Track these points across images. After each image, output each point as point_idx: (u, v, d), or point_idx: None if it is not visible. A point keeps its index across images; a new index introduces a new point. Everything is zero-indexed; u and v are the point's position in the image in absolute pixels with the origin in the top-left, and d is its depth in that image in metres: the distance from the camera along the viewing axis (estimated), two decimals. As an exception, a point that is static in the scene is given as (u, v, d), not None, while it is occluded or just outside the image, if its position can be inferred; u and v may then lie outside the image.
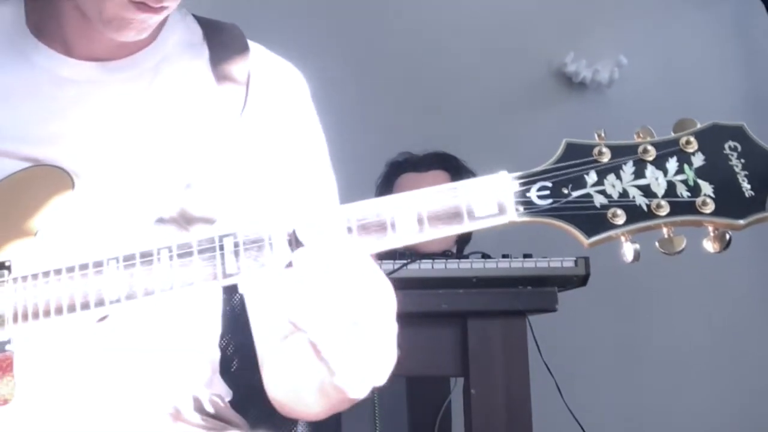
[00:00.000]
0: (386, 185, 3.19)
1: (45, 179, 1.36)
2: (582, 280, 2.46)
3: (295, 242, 1.15)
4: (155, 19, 1.38)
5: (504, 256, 2.45)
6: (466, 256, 2.54)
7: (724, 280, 3.57)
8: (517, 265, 2.44)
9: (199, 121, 1.48)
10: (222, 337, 1.61)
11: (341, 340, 1.17)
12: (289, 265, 1.15)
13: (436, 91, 3.77)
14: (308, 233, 1.14)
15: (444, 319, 2.40)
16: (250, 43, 1.58)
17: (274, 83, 1.57)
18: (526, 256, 2.45)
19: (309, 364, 1.31)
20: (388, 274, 2.23)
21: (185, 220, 1.44)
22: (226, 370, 1.60)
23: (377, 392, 2.27)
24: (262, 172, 1.51)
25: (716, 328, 3.74)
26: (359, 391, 1.27)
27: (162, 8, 1.37)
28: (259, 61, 1.57)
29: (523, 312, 2.45)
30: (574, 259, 2.42)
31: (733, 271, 3.51)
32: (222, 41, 1.56)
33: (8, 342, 1.25)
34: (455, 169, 3.12)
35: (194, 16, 1.57)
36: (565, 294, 2.46)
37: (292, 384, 1.47)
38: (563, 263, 2.43)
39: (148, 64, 1.49)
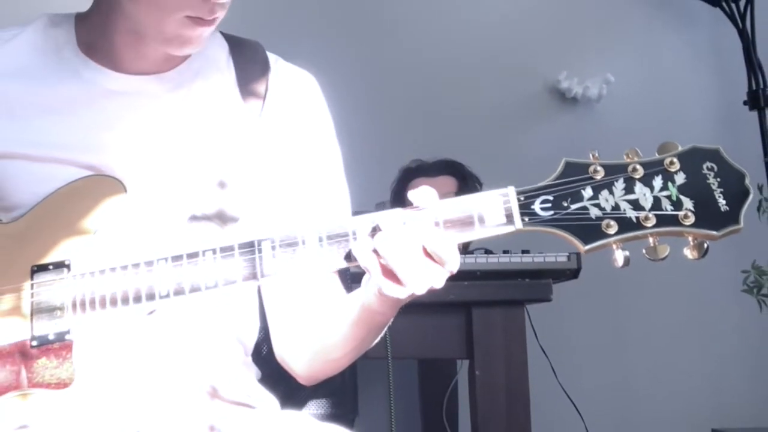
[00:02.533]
0: (400, 189, 3.18)
1: (100, 186, 1.36)
2: (574, 273, 2.45)
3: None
4: (209, 31, 1.40)
5: (504, 252, 2.44)
6: (471, 252, 2.53)
7: (697, 273, 3.55)
8: (516, 259, 2.43)
9: (226, 129, 1.48)
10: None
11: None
12: (348, 257, 1.20)
13: (444, 104, 3.77)
14: (392, 224, 1.18)
15: (451, 308, 2.38)
16: (270, 55, 1.58)
17: (289, 92, 1.56)
18: (524, 251, 2.44)
19: (346, 306, 1.37)
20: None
21: (219, 218, 1.44)
22: (257, 353, 1.60)
23: (393, 374, 2.29)
24: (279, 173, 1.51)
25: (690, 313, 3.73)
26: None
27: (215, 20, 1.38)
28: (277, 72, 1.57)
29: (522, 301, 2.44)
30: (567, 254, 2.42)
31: (705, 263, 3.49)
32: (245, 58, 1.56)
33: (68, 332, 1.26)
34: (462, 174, 3.11)
35: (221, 32, 1.56)
36: (558, 285, 2.45)
37: (321, 334, 1.48)
38: (557, 258, 2.42)
39: (185, 76, 1.49)
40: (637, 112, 3.81)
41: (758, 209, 2.83)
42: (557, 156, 1.20)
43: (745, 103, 3.67)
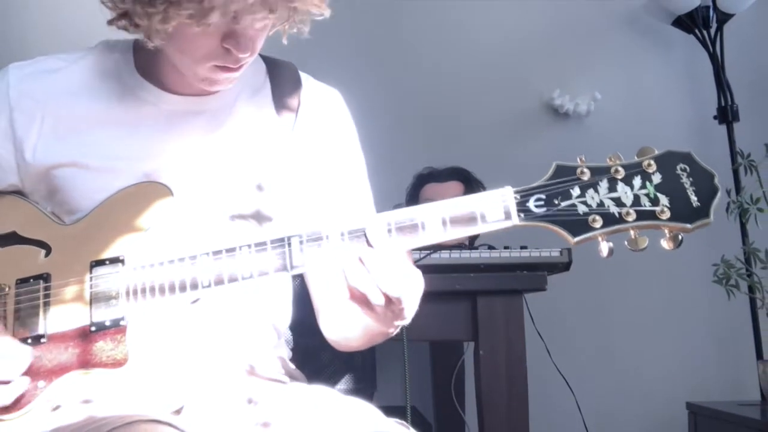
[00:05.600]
0: (414, 192, 3.17)
1: (150, 191, 1.35)
2: (566, 266, 2.44)
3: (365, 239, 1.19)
4: (237, 74, 1.38)
5: (505, 248, 2.43)
6: (476, 248, 2.51)
7: (674, 266, 3.53)
8: (515, 254, 2.42)
9: (263, 140, 1.48)
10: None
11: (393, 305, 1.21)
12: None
13: (453, 118, 3.77)
14: (378, 234, 1.18)
15: (458, 296, 2.38)
16: (301, 74, 1.57)
17: (319, 106, 1.55)
18: (522, 247, 2.43)
19: (357, 316, 1.31)
20: (415, 261, 2.23)
21: (257, 218, 1.44)
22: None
23: (408, 353, 2.28)
24: (310, 178, 1.51)
25: (668, 301, 3.71)
26: (394, 330, 1.34)
27: (241, 67, 1.36)
28: (308, 88, 1.56)
29: (520, 291, 2.42)
30: (560, 249, 2.41)
31: (681, 258, 3.47)
32: (280, 76, 1.55)
33: (122, 318, 1.27)
34: (468, 180, 3.09)
35: (259, 54, 1.55)
36: (552, 277, 2.43)
37: (342, 327, 1.48)
38: (551, 253, 2.41)
39: (228, 96, 1.48)
40: (620, 126, 3.79)
41: (727, 210, 2.81)
42: (551, 163, 1.20)
43: (714, 117, 3.68)
